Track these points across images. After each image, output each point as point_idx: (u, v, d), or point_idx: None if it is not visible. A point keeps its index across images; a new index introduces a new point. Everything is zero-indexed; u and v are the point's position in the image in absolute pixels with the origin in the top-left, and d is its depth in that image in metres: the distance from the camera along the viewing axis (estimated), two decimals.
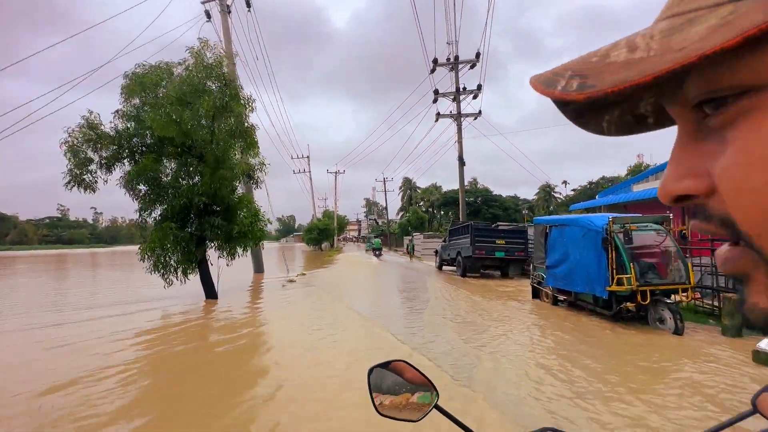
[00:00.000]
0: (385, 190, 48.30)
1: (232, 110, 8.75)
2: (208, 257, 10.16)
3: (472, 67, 21.00)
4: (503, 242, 14.18)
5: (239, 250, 10.44)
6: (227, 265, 10.43)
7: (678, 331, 5.54)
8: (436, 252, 18.86)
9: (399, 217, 73.45)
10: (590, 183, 63.95)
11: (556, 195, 71.06)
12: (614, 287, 6.08)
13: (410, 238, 34.52)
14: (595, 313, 6.97)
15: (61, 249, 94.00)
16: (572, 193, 74.59)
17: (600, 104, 0.28)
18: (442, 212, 67.45)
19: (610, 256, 6.18)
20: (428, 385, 0.89)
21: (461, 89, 21.23)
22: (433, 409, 0.86)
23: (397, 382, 0.89)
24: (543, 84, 0.27)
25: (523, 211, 67.66)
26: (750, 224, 0.23)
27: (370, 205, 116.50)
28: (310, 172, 42.62)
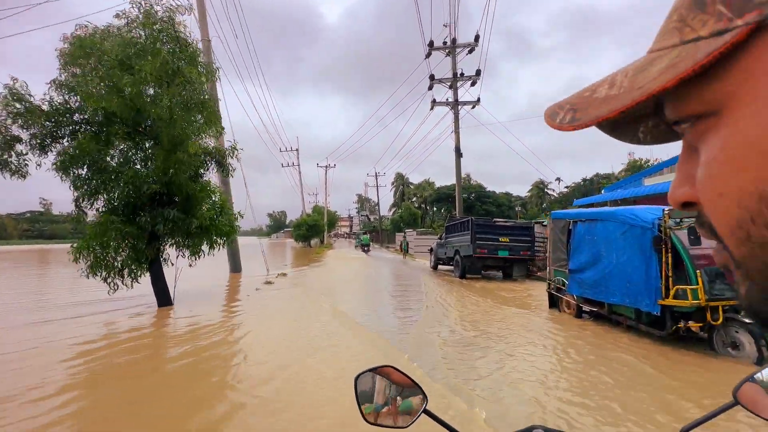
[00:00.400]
0: (377, 185, 46.78)
1: (185, 77, 7.10)
2: (165, 257, 8.58)
3: (470, 51, 19.50)
4: (507, 240, 12.78)
5: (205, 248, 8.89)
6: (189, 265, 8.86)
7: (764, 360, 4.16)
8: (431, 250, 17.48)
9: (391, 213, 72.03)
10: (584, 180, 63.23)
11: (550, 192, 70.26)
12: (671, 301, 4.68)
13: (403, 234, 33.14)
14: (634, 330, 5.59)
15: (41, 244, 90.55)
16: (566, 190, 73.96)
17: (630, 119, 0.32)
18: (435, 208, 66.29)
19: (663, 260, 4.78)
20: (417, 390, 0.87)
21: (458, 75, 19.76)
22: (423, 414, 0.85)
23: (384, 389, 0.89)
24: (548, 116, 0.32)
25: (516, 208, 66.74)
26: (720, 227, 0.26)
27: (362, 201, 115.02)
28: (299, 165, 40.91)
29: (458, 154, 19.49)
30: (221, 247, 9.33)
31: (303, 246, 40.50)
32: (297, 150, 40.90)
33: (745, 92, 0.23)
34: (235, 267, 15.02)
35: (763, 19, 0.22)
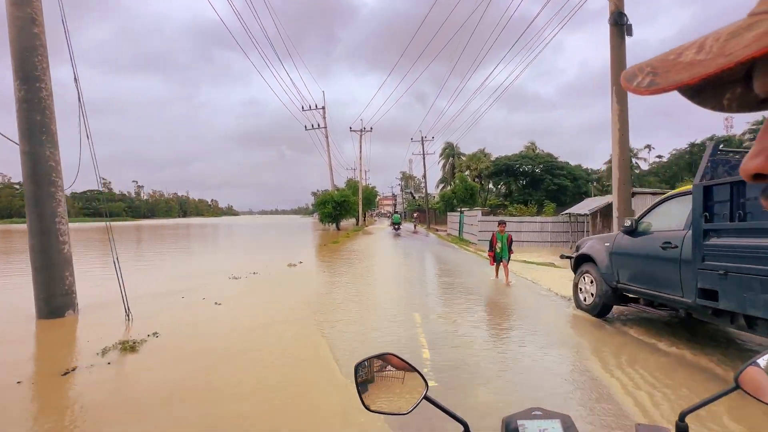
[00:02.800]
0: (423, 153, 37.73)
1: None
2: None
3: None
4: None
5: None
6: None
7: None
8: (577, 254, 6.54)
9: (439, 189, 62.66)
10: (692, 145, 49.33)
11: (639, 161, 56.81)
12: None
13: (460, 213, 24.34)
14: None
15: (92, 222, 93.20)
16: (659, 160, 59.81)
17: (717, 85, 0.29)
18: (491, 185, 56.04)
19: None
20: (417, 376, 0.88)
21: None
22: (423, 400, 0.86)
23: (384, 376, 0.89)
24: (626, 78, 0.30)
25: (592, 183, 54.44)
26: None
27: (406, 179, 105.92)
28: (326, 127, 33.02)
29: (621, 24, 10.15)
30: None
31: (326, 229, 32.97)
32: (323, 108, 32.91)
33: None
34: (50, 304, 6.16)
35: None
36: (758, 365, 0.80)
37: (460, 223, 26.11)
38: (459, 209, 34.92)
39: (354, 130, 37.61)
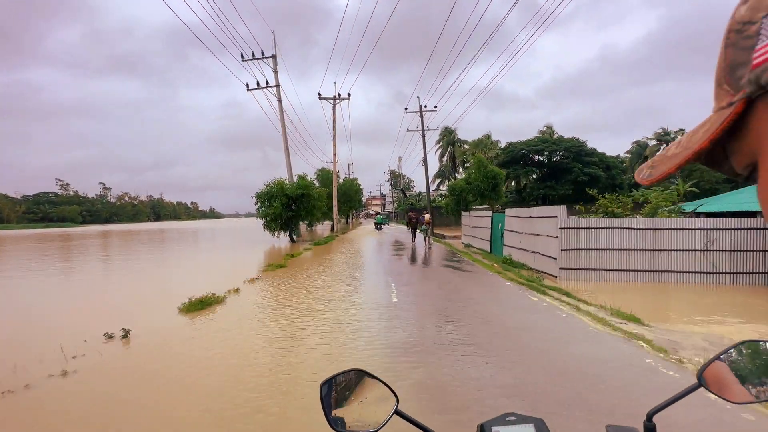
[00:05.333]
0: (423, 129, 26.74)
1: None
2: None
3: None
4: None
5: None
6: None
7: None
8: None
9: (435, 186, 52.16)
10: None
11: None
12: None
13: (491, 214, 13.58)
14: None
15: (36, 228, 79.58)
16: None
17: (711, 162, 0.37)
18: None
19: None
20: (387, 391, 0.86)
21: None
22: (394, 416, 0.83)
23: (352, 393, 0.86)
24: (637, 173, 0.40)
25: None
26: None
27: (396, 177, 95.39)
28: (278, 85, 21.87)
29: None
30: None
31: (274, 242, 20.98)
32: (274, 57, 21.80)
33: (764, 145, 0.29)
34: None
35: (749, 96, 0.28)
36: (723, 360, 0.79)
37: (494, 228, 15.32)
38: (474, 206, 24.27)
39: (324, 98, 26.57)
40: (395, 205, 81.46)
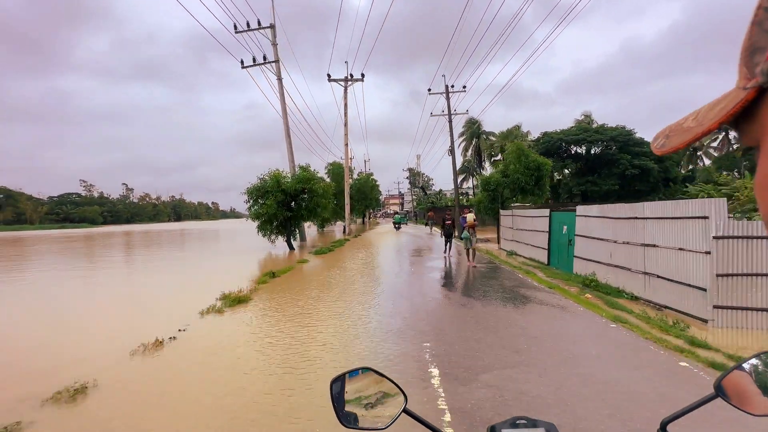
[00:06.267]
0: (450, 113, 22.72)
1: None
2: None
3: None
4: None
5: None
6: None
7: None
8: None
9: (460, 182, 47.56)
10: None
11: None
12: None
13: (571, 211, 9.51)
14: None
15: (56, 229, 79.61)
16: None
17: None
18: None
19: None
20: (395, 390, 0.87)
21: None
22: (403, 414, 0.84)
23: (362, 391, 0.87)
24: (653, 139, 0.40)
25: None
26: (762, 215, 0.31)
27: (414, 175, 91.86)
28: (277, 61, 18.37)
29: None
30: None
31: (271, 248, 16.75)
32: (272, 27, 18.31)
33: (766, 136, 0.29)
34: None
35: (761, 85, 0.27)
36: (743, 370, 0.78)
37: (553, 232, 11.36)
38: (512, 204, 20.12)
39: (334, 80, 22.96)
40: (414, 203, 77.55)
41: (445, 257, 13.45)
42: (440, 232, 16.04)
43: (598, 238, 8.61)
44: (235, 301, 7.03)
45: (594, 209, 8.92)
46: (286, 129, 18.36)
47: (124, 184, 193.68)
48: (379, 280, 9.61)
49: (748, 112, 0.29)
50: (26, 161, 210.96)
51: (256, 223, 15.73)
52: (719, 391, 0.76)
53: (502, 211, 17.81)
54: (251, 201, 15.20)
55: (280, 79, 18.49)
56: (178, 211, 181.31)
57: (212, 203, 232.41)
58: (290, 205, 15.78)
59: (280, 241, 16.76)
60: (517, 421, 0.83)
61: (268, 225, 15.23)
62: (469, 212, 11.75)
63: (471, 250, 11.44)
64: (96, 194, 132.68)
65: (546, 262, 11.80)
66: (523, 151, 19.90)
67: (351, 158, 28.18)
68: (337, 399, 0.83)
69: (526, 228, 13.82)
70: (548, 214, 11.84)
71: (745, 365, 0.77)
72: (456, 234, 15.63)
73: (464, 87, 22.77)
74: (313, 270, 11.66)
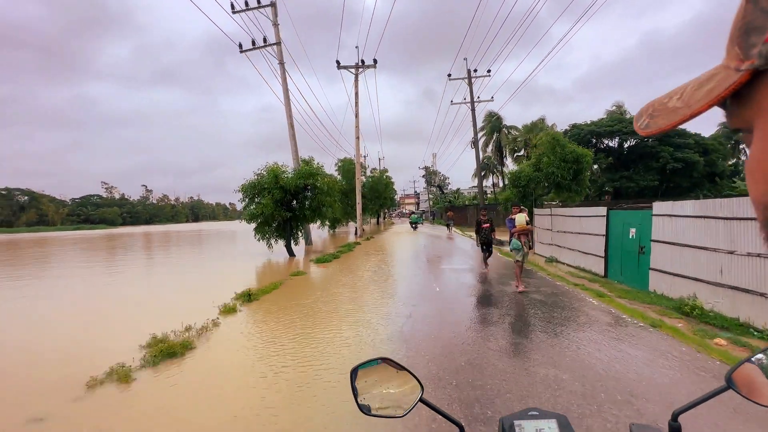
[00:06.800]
0: (473, 101, 20.35)
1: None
2: None
3: None
4: None
5: None
6: None
7: None
8: None
9: (476, 180, 44.88)
10: None
11: None
12: None
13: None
14: None
15: (71, 230, 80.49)
16: None
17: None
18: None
19: None
20: (412, 380, 0.88)
21: None
22: (419, 403, 0.85)
23: (380, 380, 0.89)
24: (636, 117, 0.37)
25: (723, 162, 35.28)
26: (759, 220, 0.30)
27: (430, 174, 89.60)
28: (278, 43, 16.44)
29: None
30: None
31: (270, 257, 14.27)
32: (273, 5, 16.36)
33: (761, 119, 0.27)
34: None
35: (757, 67, 0.26)
36: (753, 363, 0.78)
37: (610, 237, 8.92)
38: (546, 201, 17.61)
39: (344, 67, 20.91)
40: (431, 203, 75.12)
41: (485, 273, 10.16)
42: (475, 238, 12.15)
43: (695, 246, 6.20)
44: (163, 353, 4.54)
45: (687, 205, 6.50)
46: (289, 118, 16.37)
47: (144, 185, 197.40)
48: (393, 307, 6.92)
49: (739, 94, 0.28)
50: (52, 165, 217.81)
51: (253, 226, 13.75)
52: (730, 383, 0.76)
53: (537, 210, 15.38)
54: (246, 200, 13.25)
55: (281, 63, 16.54)
56: (196, 211, 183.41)
57: (230, 204, 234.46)
58: (290, 204, 13.77)
59: (281, 245, 14.72)
60: (530, 413, 0.85)
61: (266, 227, 13.26)
62: (520, 211, 7.99)
63: (520, 263, 7.93)
64: (117, 196, 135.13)
65: (602, 274, 9.38)
66: (559, 142, 17.33)
67: (364, 156, 26.14)
68: (356, 387, 0.85)
69: (570, 230, 11.41)
70: (605, 213, 9.41)
71: (756, 358, 0.77)
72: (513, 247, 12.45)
73: (488, 71, 20.33)
74: (306, 289, 8.86)
